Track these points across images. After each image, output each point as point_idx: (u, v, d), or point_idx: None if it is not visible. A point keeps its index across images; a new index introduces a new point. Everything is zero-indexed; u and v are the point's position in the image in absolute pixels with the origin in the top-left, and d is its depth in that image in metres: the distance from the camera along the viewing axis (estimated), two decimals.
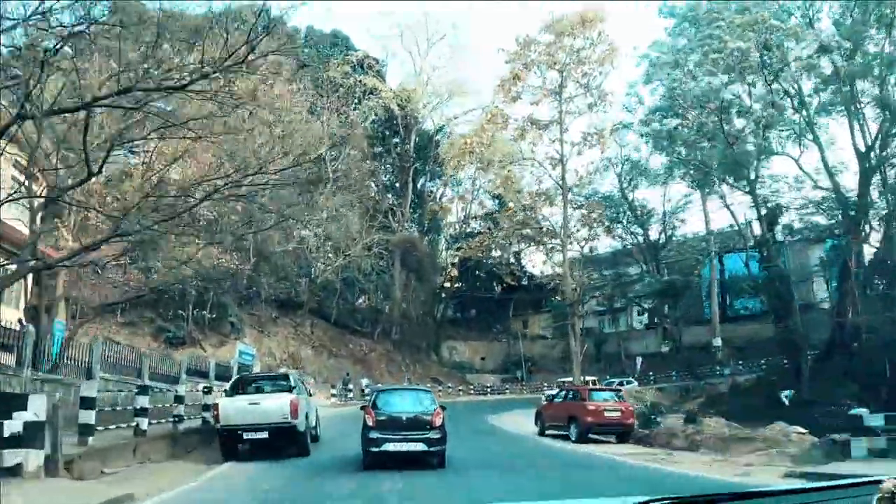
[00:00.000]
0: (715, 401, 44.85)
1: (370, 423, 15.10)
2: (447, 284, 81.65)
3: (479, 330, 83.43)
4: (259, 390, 18.81)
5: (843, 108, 40.81)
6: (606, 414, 24.30)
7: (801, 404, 33.74)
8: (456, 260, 79.96)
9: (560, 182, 41.41)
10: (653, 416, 27.02)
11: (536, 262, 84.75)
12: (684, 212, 72.11)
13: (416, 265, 66.65)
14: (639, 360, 72.53)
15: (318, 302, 57.19)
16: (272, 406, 17.17)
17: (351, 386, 45.21)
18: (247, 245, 42.77)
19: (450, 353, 75.19)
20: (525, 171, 49.60)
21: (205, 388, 22.45)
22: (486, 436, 27.30)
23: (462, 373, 72.12)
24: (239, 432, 16.87)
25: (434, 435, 15.04)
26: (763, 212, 47.10)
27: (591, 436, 24.22)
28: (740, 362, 67.17)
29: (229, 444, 17.16)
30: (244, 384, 19.26)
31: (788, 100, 41.16)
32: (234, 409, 17.12)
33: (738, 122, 43.74)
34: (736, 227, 66.29)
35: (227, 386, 19.76)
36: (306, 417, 18.41)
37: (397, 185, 70.81)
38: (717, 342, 70.14)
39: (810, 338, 45.32)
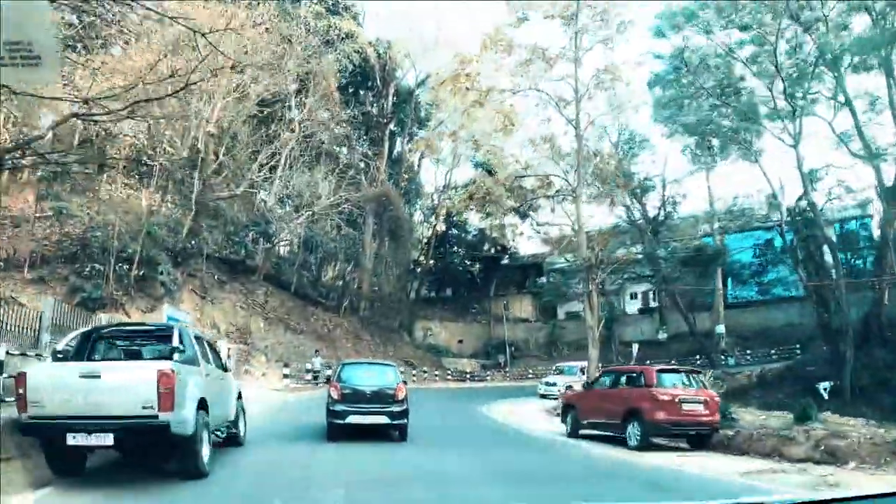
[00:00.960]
0: (738, 392, 37.56)
1: (335, 396, 15.17)
2: (422, 259, 73.94)
3: (457, 311, 75.21)
4: (114, 353, 10.38)
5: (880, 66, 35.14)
6: (685, 407, 16.09)
7: (840, 393, 30.46)
8: (434, 230, 72.05)
9: (573, 121, 32.95)
10: (728, 413, 18.49)
11: (521, 241, 76.92)
12: (681, 183, 64.33)
13: (390, 229, 58.25)
14: (635, 346, 64.84)
15: (275, 267, 48.67)
16: (121, 383, 8.78)
17: (310, 366, 36.92)
18: (185, 188, 34.39)
19: (424, 335, 66.84)
20: (528, 111, 41.40)
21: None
22: (495, 438, 19.43)
23: (437, 356, 64.02)
24: (61, 432, 8.47)
25: (397, 408, 15.23)
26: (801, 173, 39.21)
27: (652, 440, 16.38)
28: (748, 351, 59.92)
29: (54, 451, 9.06)
30: (95, 341, 10.45)
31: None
32: (53, 385, 8.65)
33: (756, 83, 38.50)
34: (738, 207, 59.95)
35: (61, 343, 10.14)
36: (202, 409, 9.87)
37: (371, 146, 61.91)
38: (721, 329, 63.13)
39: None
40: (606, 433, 17.52)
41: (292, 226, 43.35)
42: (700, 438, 16.52)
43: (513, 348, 68.46)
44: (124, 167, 33.09)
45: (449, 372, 58.20)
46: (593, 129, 36.72)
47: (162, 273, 32.67)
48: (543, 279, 79.49)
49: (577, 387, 37.82)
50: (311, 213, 43.08)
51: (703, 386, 17.30)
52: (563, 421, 19.71)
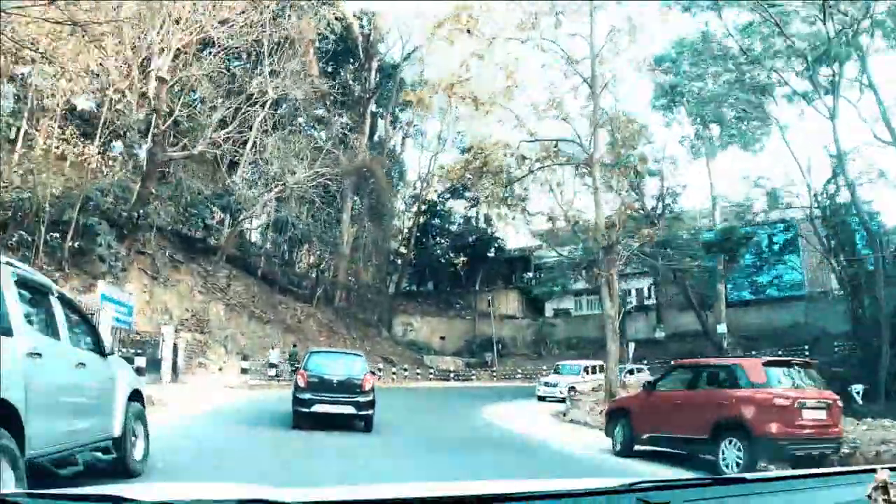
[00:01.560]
0: None
1: (301, 384, 14.89)
2: (403, 250, 68.82)
3: (439, 306, 70.06)
4: None
5: None
6: (805, 416, 10.97)
7: (873, 396, 27.28)
8: (417, 219, 66.99)
9: (588, 79, 27.84)
10: None
11: (509, 233, 71.92)
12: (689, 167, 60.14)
13: (371, 208, 52.88)
14: (631, 345, 60.11)
15: (239, 248, 43.24)
16: None
17: (273, 359, 31.42)
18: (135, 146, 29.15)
19: (404, 330, 61.71)
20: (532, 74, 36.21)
21: None
22: (519, 459, 13.64)
23: (418, 353, 58.97)
24: None
25: (363, 399, 14.87)
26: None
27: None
28: (752, 352, 55.23)
29: None
30: None
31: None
32: None
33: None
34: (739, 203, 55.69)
35: None
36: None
37: (351, 128, 56.40)
38: (722, 328, 58.46)
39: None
40: (678, 451, 12.51)
41: (261, 201, 37.88)
42: (817, 458, 11.41)
43: (499, 346, 63.39)
44: (63, 115, 27.56)
45: (431, 370, 53.19)
46: (610, 90, 31.96)
47: (101, 245, 27.24)
48: (530, 274, 74.68)
49: (582, 388, 33.15)
50: (282, 185, 37.71)
51: (819, 384, 12.17)
52: (609, 434, 14.41)
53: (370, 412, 14.99)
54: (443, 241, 72.89)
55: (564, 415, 25.07)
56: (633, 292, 69.64)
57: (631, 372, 38.80)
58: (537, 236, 74.03)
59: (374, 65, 56.80)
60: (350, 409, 14.83)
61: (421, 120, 64.28)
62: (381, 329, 58.02)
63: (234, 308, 36.24)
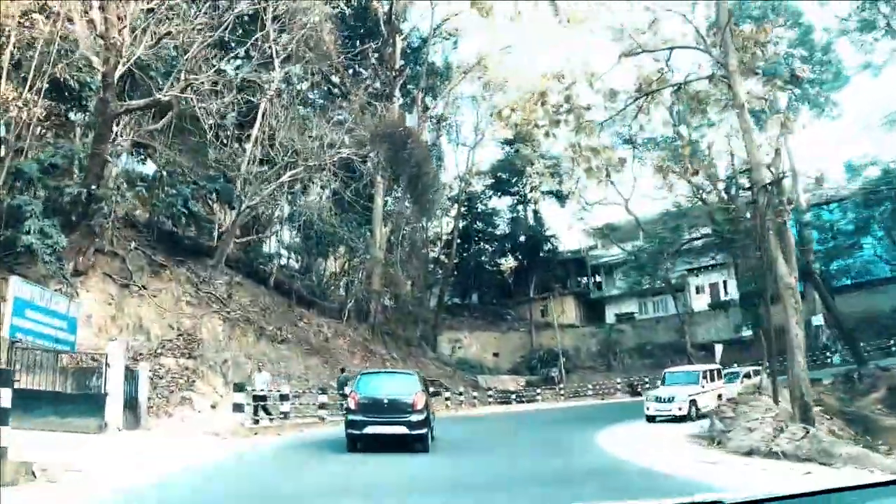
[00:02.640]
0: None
1: (352, 406, 14.35)
2: (444, 259, 60.00)
3: (487, 318, 60.90)
4: None
5: None
6: None
7: None
8: (456, 223, 58.26)
9: None
10: None
11: (561, 231, 62.86)
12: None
13: (411, 185, 43.31)
14: (718, 347, 50.72)
15: (244, 249, 34.23)
16: None
17: (259, 385, 21.76)
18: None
19: (452, 348, 52.65)
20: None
21: None
22: None
23: (471, 374, 49.85)
24: None
25: (415, 418, 14.14)
26: None
27: None
28: (866, 347, 45.99)
29: None
30: None
31: None
32: None
33: None
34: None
35: None
36: None
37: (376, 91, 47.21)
38: (818, 320, 48.96)
39: None
40: None
41: (270, 187, 28.92)
42: None
43: (563, 360, 54.01)
44: None
45: (489, 393, 43.97)
46: None
47: (29, 232, 18.49)
48: (587, 278, 65.38)
49: (706, 401, 25.17)
50: (303, 166, 28.91)
51: None
52: None
53: (423, 431, 14.25)
54: (488, 245, 63.93)
55: (717, 442, 16.90)
56: (707, 289, 60.14)
57: (748, 375, 30.96)
58: (594, 234, 65.13)
59: (399, 43, 47.97)
60: (402, 430, 14.04)
61: (454, 110, 55.57)
62: (425, 348, 48.97)
63: (237, 324, 27.04)
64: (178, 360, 21.91)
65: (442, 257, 60.42)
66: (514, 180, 59.17)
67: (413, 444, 14.28)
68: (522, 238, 61.08)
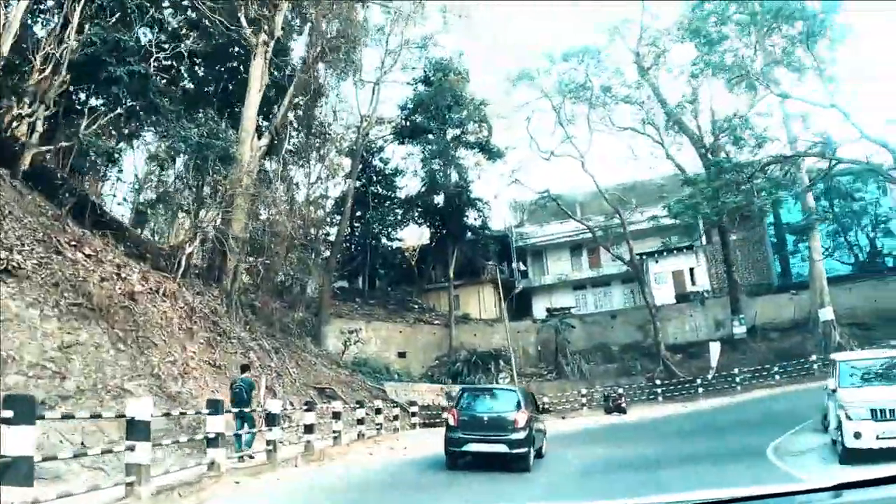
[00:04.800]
0: None
1: (452, 423, 14.13)
2: (329, 231, 43.95)
3: (388, 306, 44.97)
4: None
5: None
6: None
7: None
8: (351, 182, 42.36)
9: None
10: None
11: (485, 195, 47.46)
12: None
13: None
14: (714, 347, 37.62)
15: None
16: None
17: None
18: None
19: (345, 342, 35.85)
20: None
21: None
22: None
23: (374, 378, 33.93)
24: None
25: (516, 436, 13.58)
26: None
27: None
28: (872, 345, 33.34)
29: None
30: None
31: None
32: None
33: None
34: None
35: None
36: None
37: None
38: (827, 314, 37.98)
39: None
40: None
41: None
42: None
43: (497, 363, 38.58)
44: None
45: (414, 410, 27.90)
46: None
47: None
48: (511, 264, 50.52)
49: None
50: None
51: None
52: None
53: (524, 450, 13.57)
54: (390, 214, 47.86)
55: None
56: (669, 277, 46.44)
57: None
58: (530, 208, 50.60)
59: None
60: (501, 448, 13.57)
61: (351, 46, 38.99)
62: (305, 340, 32.59)
63: None
64: None
65: (329, 229, 44.45)
66: (431, 125, 43.25)
67: (513, 463, 13.56)
68: (438, 202, 45.32)
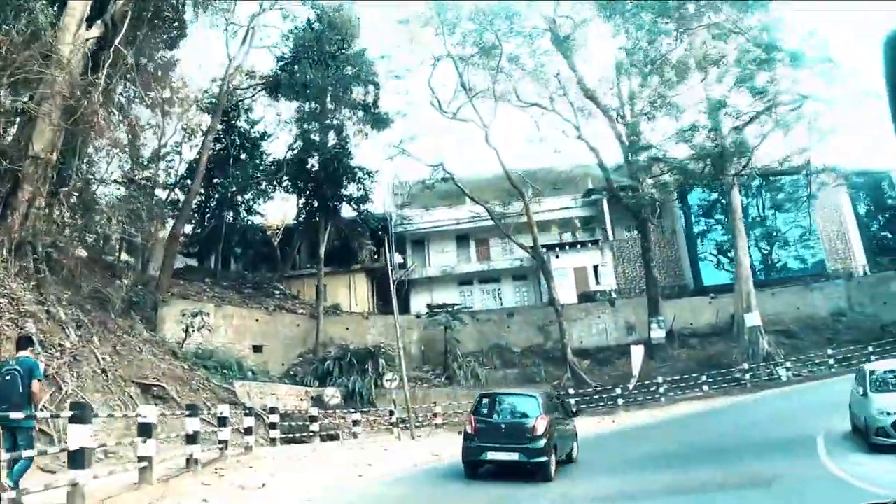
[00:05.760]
0: None
1: (469, 431, 13.21)
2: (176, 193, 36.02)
3: (244, 290, 37.26)
4: None
5: None
6: None
7: None
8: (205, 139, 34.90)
9: None
10: None
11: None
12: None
13: None
14: (637, 351, 32.00)
15: None
16: None
17: None
18: None
19: (186, 328, 27.69)
20: None
21: None
22: None
23: (220, 375, 26.12)
24: None
25: (534, 445, 12.52)
26: None
27: None
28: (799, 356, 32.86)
29: None
30: None
31: None
32: None
33: None
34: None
35: None
36: None
37: None
38: (754, 320, 33.70)
39: None
40: None
41: None
42: None
43: (383, 364, 31.40)
44: None
45: (274, 420, 19.98)
46: None
47: None
48: (388, 252, 43.42)
49: None
50: None
51: None
52: None
53: (543, 459, 12.45)
54: (255, 184, 39.79)
55: None
56: (571, 273, 40.99)
57: None
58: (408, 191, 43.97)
59: None
60: (517, 456, 12.51)
61: None
62: (135, 322, 24.57)
63: None
64: None
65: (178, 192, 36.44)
66: (310, 77, 35.67)
67: (533, 472, 12.56)
68: (313, 167, 37.66)
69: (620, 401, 29.08)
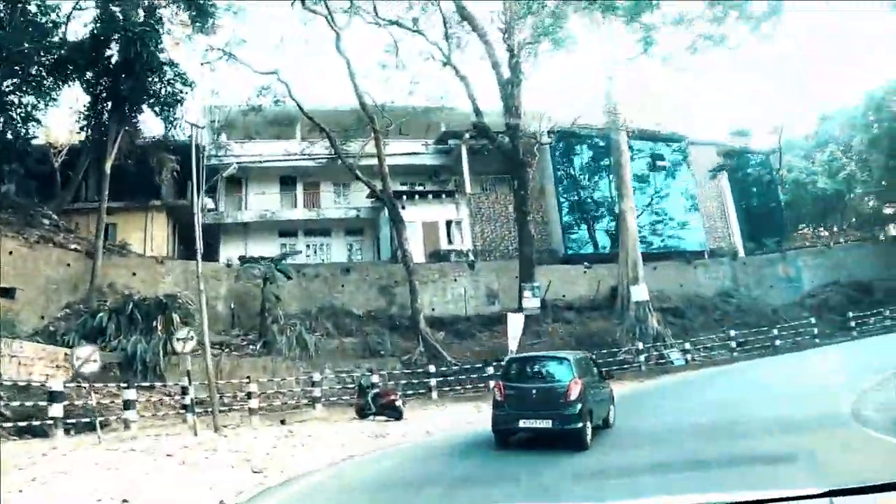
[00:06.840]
0: None
1: (499, 398, 12.52)
2: None
3: (1, 216, 27.43)
4: None
5: None
6: None
7: None
8: None
9: None
10: None
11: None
12: None
13: None
14: (514, 320, 27.09)
15: None
16: None
17: None
18: None
19: None
20: None
21: None
22: None
23: None
24: None
25: (566, 411, 11.67)
26: None
27: None
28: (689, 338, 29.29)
29: None
30: None
31: None
32: None
33: None
34: None
35: None
36: None
37: None
38: (641, 294, 29.39)
39: None
40: None
41: None
42: None
43: (175, 317, 23.33)
44: None
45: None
46: None
47: None
48: (197, 190, 34.65)
49: None
50: None
51: None
52: None
53: (578, 426, 11.58)
54: (32, 80, 29.81)
55: None
56: (420, 229, 34.46)
57: None
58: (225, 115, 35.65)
59: None
60: (549, 424, 11.72)
61: None
62: None
63: None
64: None
65: None
66: None
67: (567, 440, 11.71)
68: (110, 56, 28.41)
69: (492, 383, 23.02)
